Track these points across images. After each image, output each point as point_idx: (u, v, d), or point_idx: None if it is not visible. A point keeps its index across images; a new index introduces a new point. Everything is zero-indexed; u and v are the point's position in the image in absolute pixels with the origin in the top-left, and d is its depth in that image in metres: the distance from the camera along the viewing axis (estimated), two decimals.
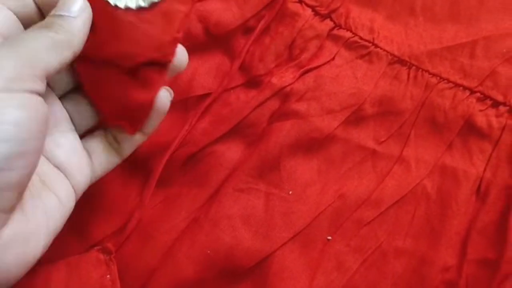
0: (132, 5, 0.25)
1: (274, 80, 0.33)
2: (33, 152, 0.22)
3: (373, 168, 0.34)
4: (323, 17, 0.34)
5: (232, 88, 0.34)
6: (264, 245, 0.31)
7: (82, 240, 0.31)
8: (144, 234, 0.32)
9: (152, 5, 0.25)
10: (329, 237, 0.33)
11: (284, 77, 0.33)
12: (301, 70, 0.33)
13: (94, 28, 0.25)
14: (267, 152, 0.32)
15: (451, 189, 0.33)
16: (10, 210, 0.21)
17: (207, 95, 0.34)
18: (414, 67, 0.34)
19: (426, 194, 0.33)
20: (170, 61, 0.26)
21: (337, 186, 0.33)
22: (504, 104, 0.33)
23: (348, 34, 0.34)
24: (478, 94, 0.34)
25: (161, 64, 0.26)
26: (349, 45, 0.34)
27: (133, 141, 0.29)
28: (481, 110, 0.33)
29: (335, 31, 0.34)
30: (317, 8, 0.34)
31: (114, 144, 0.28)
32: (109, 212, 0.32)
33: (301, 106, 0.33)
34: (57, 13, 0.24)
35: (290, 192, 0.32)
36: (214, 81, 0.34)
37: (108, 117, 0.27)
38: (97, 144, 0.28)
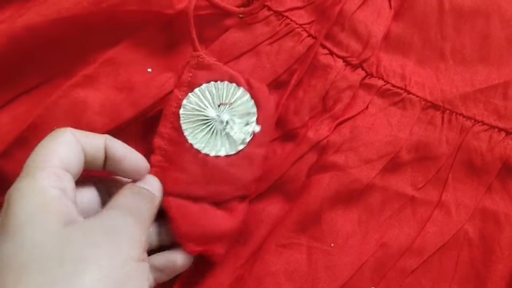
0: (222, 153, 0.30)
1: (310, 134, 0.33)
2: None
3: (413, 215, 0.34)
4: (355, 67, 0.34)
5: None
6: None
7: None
8: None
9: (238, 152, 0.30)
10: None
11: (320, 130, 0.33)
12: (336, 122, 0.34)
13: (181, 169, 0.29)
14: (307, 206, 0.32)
15: (493, 232, 0.33)
16: None
17: None
18: (447, 111, 0.34)
19: (468, 239, 0.33)
20: (252, 195, 0.32)
21: (378, 236, 0.33)
22: None
23: (380, 82, 0.34)
24: None
25: (244, 196, 0.31)
26: (382, 93, 0.34)
27: (174, 270, 0.30)
28: None
29: (367, 80, 0.34)
30: (348, 59, 0.34)
31: (156, 272, 0.29)
32: None
33: (338, 158, 0.33)
34: (145, 187, 0.28)
35: (332, 245, 0.32)
36: None
37: (192, 244, 0.29)
38: None
